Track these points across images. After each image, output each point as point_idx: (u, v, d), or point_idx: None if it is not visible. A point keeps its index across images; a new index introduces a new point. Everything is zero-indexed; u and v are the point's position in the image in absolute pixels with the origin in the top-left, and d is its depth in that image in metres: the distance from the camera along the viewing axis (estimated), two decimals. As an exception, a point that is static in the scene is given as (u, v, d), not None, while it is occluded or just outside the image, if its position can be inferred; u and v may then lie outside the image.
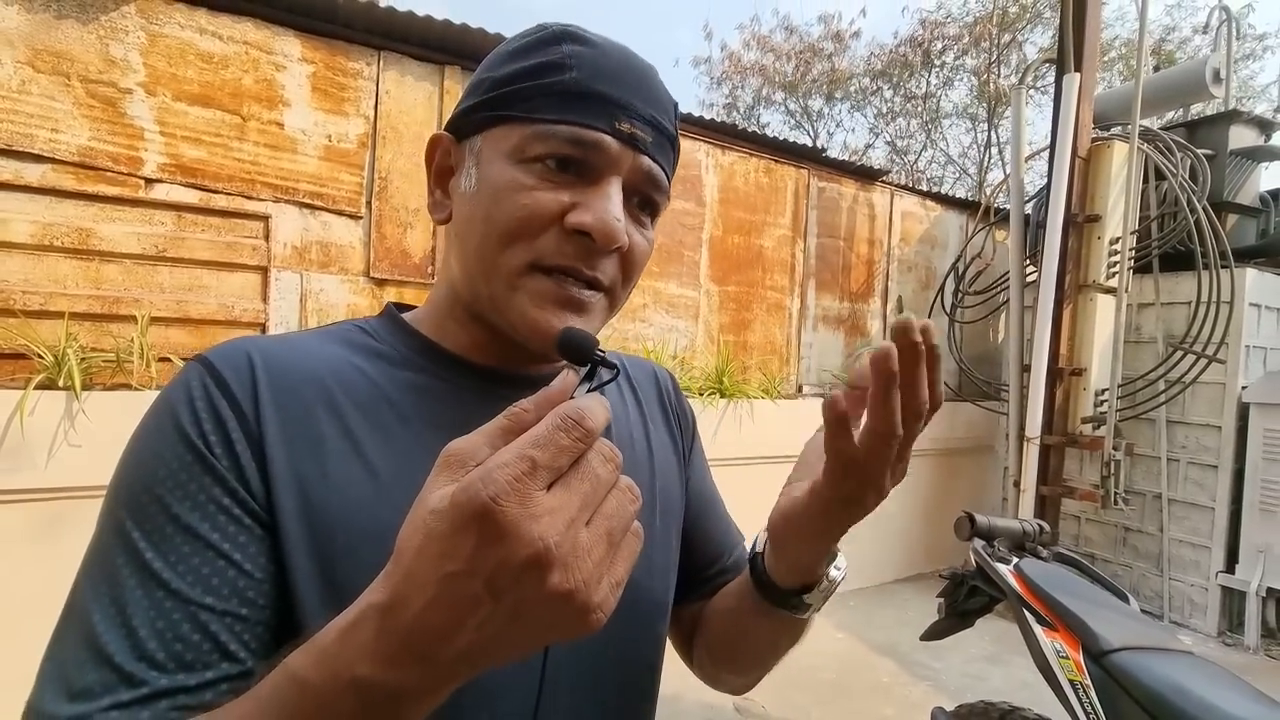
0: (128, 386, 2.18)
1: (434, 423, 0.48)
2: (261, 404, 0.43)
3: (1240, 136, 3.90)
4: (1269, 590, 3.40)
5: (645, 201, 0.50)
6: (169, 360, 2.29)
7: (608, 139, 0.46)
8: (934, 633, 1.76)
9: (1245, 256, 3.79)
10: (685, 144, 3.71)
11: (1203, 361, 3.45)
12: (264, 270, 2.59)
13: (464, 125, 0.50)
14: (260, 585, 0.40)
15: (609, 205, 0.45)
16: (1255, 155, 3.91)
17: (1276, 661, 3.32)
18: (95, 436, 2.04)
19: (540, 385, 0.50)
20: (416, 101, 2.90)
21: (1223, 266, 3.40)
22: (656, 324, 3.65)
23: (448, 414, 0.49)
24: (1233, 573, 3.51)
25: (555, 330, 0.45)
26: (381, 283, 2.84)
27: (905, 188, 4.86)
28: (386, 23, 2.74)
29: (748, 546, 0.60)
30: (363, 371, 0.49)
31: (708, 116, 3.97)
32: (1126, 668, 1.22)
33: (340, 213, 2.75)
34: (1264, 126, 4.03)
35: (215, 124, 2.48)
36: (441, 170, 0.52)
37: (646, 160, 0.48)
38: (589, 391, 0.35)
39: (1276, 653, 3.39)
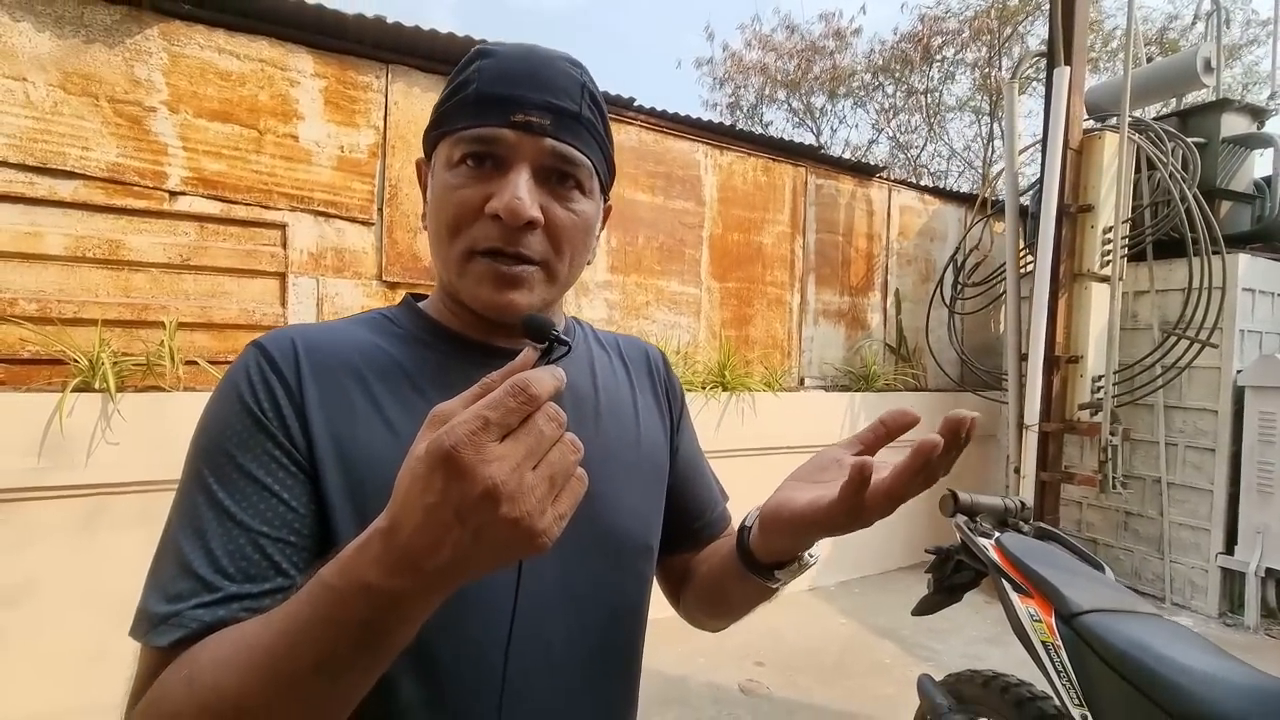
0: (158, 388, 2.31)
1: (442, 389, 0.56)
2: (303, 378, 0.54)
3: (1232, 124, 3.95)
4: (1268, 570, 3.45)
5: (562, 177, 0.57)
6: (196, 363, 2.42)
7: (504, 132, 0.54)
8: (923, 608, 1.84)
9: (1241, 242, 3.84)
10: (684, 145, 3.81)
11: (1197, 346, 3.51)
12: (282, 276, 2.72)
13: (426, 147, 0.62)
14: (303, 519, 0.51)
15: (511, 188, 0.53)
16: (1247, 142, 3.96)
17: (1277, 640, 3.37)
18: (130, 435, 2.17)
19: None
20: (424, 111, 3.02)
21: (1214, 252, 3.46)
22: (659, 320, 3.75)
23: (453, 382, 0.55)
24: (1232, 554, 3.56)
25: (497, 304, 0.56)
26: (394, 286, 2.96)
27: (903, 182, 4.93)
28: (394, 37, 2.86)
29: (738, 516, 0.67)
30: (384, 350, 0.60)
31: (710, 117, 4.07)
32: (1094, 628, 1.31)
33: (353, 220, 2.87)
34: (1256, 114, 4.08)
35: (234, 138, 2.61)
36: (423, 187, 0.63)
37: (549, 142, 0.55)
38: (544, 364, 0.42)
39: (1277, 632, 3.44)
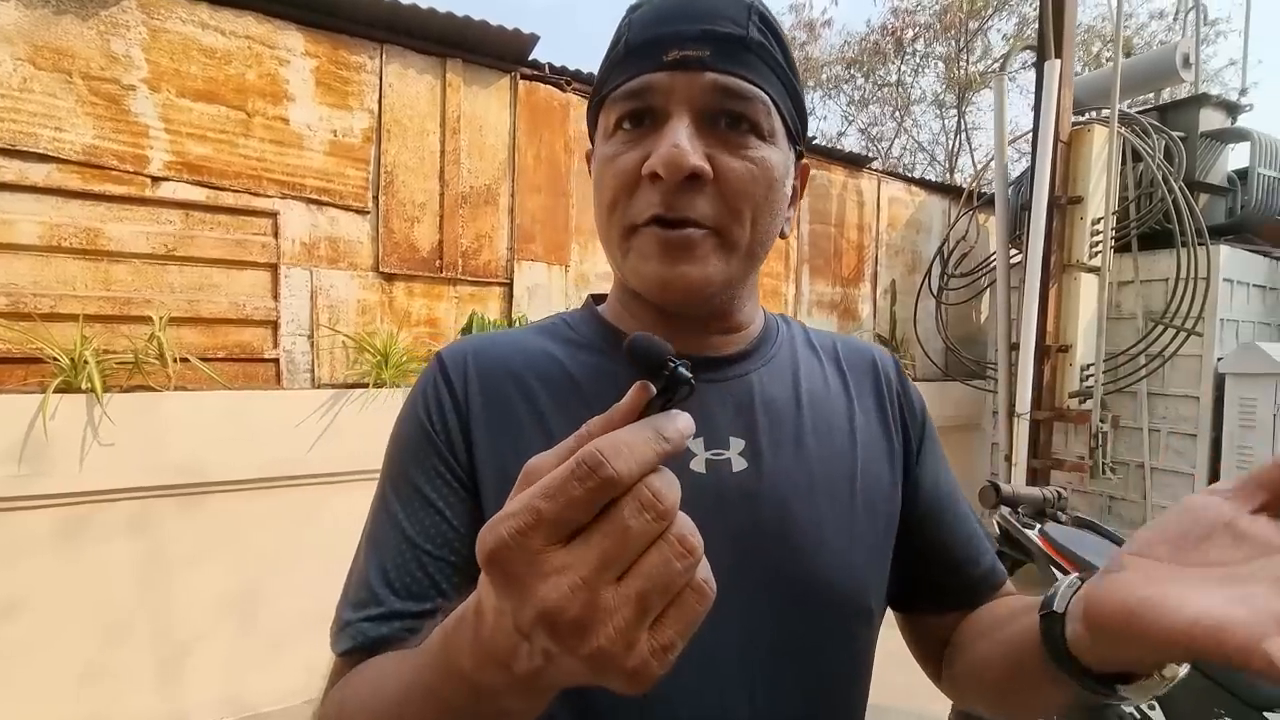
0: (148, 388, 2.16)
1: (609, 403, 0.49)
2: (470, 395, 0.52)
3: (1209, 119, 4.07)
4: (1245, 550, 3.59)
5: (734, 118, 0.47)
6: (188, 361, 2.26)
7: (656, 76, 0.46)
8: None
9: (1216, 234, 3.97)
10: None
11: (1181, 335, 3.62)
12: (274, 267, 2.57)
13: (590, 128, 0.55)
14: (463, 538, 0.48)
15: (666, 139, 0.45)
16: (1223, 137, 4.09)
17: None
18: (120, 439, 2.02)
19: (718, 369, 0.54)
20: (419, 94, 2.89)
21: (1198, 244, 3.56)
22: (659, 313, 3.70)
23: (621, 395, 0.51)
24: (1211, 535, 3.69)
25: (664, 279, 0.47)
26: (391, 277, 2.83)
27: (891, 174, 4.96)
28: (388, 15, 2.72)
29: (1046, 592, 0.43)
30: (556, 359, 0.54)
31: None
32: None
33: (347, 208, 2.73)
34: (1231, 109, 4.21)
35: (220, 120, 2.45)
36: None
37: (709, 76, 0.46)
38: (659, 410, 0.30)
39: (1253, 608, 3.59)
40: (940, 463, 0.63)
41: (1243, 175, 4.13)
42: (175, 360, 2.22)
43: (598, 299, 0.62)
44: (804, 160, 0.58)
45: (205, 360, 2.36)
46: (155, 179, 2.34)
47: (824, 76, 11.29)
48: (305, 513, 2.36)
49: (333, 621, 0.48)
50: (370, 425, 2.45)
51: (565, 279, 3.33)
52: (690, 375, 0.31)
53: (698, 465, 0.51)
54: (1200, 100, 4.10)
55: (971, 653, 0.56)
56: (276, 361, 2.58)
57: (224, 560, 2.22)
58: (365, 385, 2.55)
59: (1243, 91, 4.75)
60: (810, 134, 4.87)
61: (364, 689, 0.42)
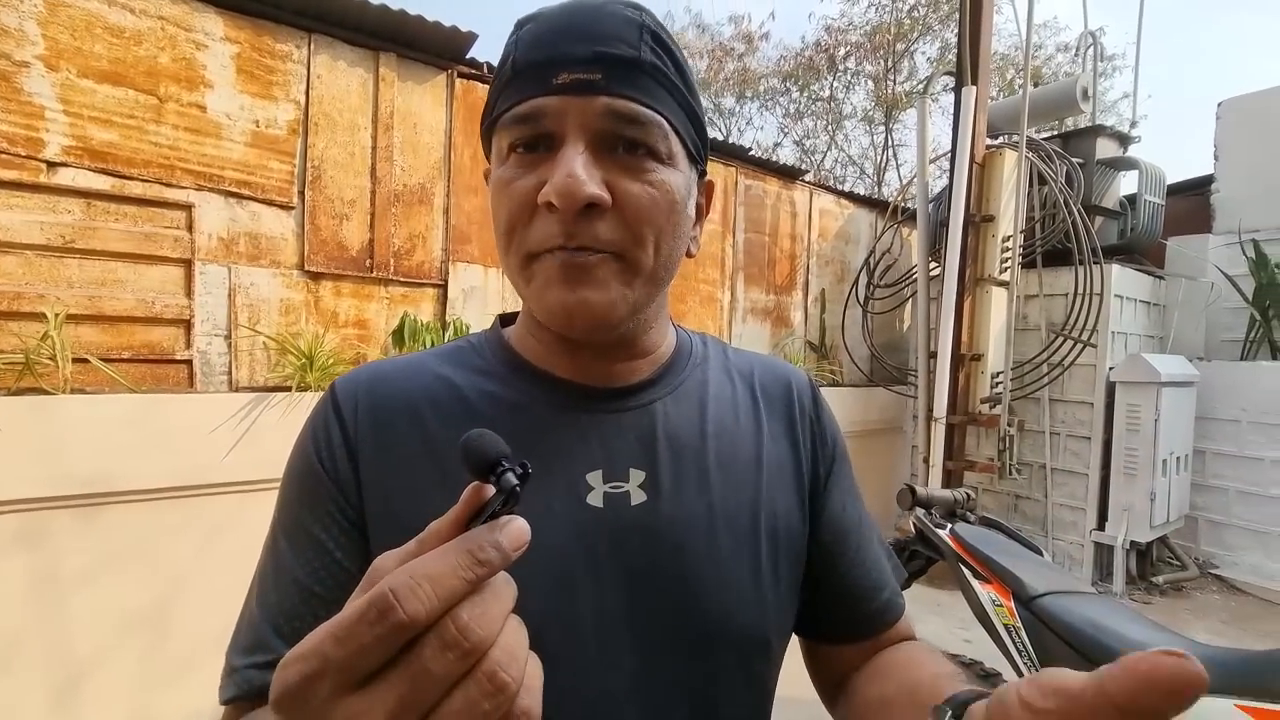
0: (41, 390, 1.99)
1: (523, 444, 0.46)
2: (360, 430, 0.50)
3: (1104, 148, 4.45)
4: (1131, 543, 3.94)
5: (630, 144, 0.45)
6: (88, 361, 2.10)
7: (546, 101, 0.44)
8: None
9: (1109, 254, 4.33)
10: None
11: (1078, 346, 3.93)
12: (188, 263, 2.42)
13: (485, 150, 0.52)
14: (354, 578, 0.41)
15: (561, 167, 0.43)
16: (1116, 165, 4.47)
17: (1138, 603, 3.85)
18: (8, 445, 1.86)
19: (621, 399, 0.52)
20: (350, 88, 2.79)
21: (1094, 263, 3.88)
22: (596, 317, 3.70)
23: (527, 432, 0.50)
24: (1103, 530, 4.03)
25: (566, 307, 0.45)
26: (317, 276, 2.72)
27: (822, 186, 5.16)
28: (317, 4, 2.62)
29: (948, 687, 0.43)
30: (456, 388, 0.52)
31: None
32: (1050, 609, 1.42)
33: (270, 203, 2.61)
34: (1122, 139, 4.61)
35: (128, 104, 2.29)
36: None
37: (602, 100, 0.44)
38: (484, 520, 0.28)
39: (1138, 597, 3.94)
40: (848, 492, 0.62)
41: (1132, 200, 4.53)
42: (74, 360, 2.05)
43: (506, 320, 0.60)
44: (708, 178, 0.56)
45: (108, 361, 2.20)
46: (52, 164, 2.16)
47: (761, 88, 11.62)
48: (220, 523, 2.24)
49: (223, 667, 0.46)
50: (293, 430, 2.30)
51: (502, 282, 3.29)
52: (518, 483, 0.29)
53: (595, 499, 0.49)
54: (1097, 130, 4.47)
55: (859, 694, 0.56)
56: (189, 363, 2.44)
57: (129, 575, 2.07)
58: (288, 388, 2.44)
59: (1133, 123, 5.20)
60: (748, 145, 5.00)
61: None
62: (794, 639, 0.60)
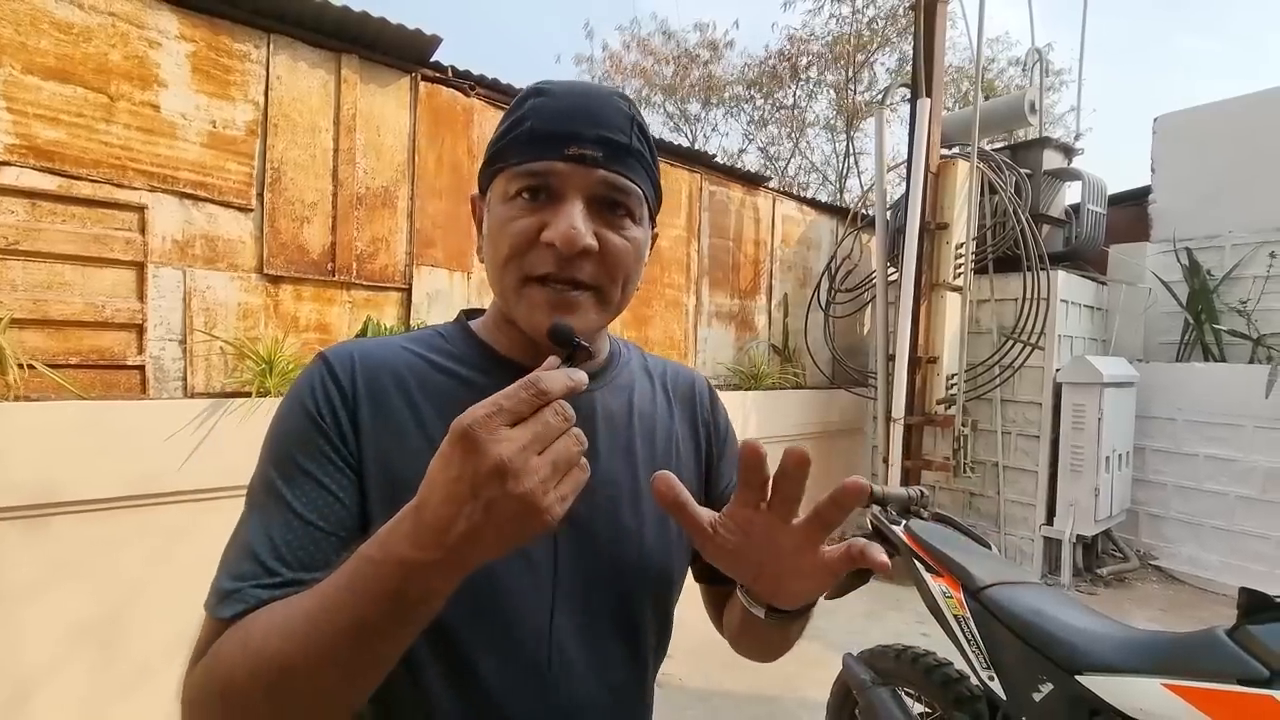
0: (-18, 398, 1.92)
1: None
2: (358, 391, 0.59)
3: (1050, 159, 4.66)
4: (1078, 537, 4.12)
5: (613, 205, 0.60)
6: (33, 367, 2.03)
7: (558, 165, 0.57)
8: (836, 591, 1.98)
9: (1055, 260, 4.53)
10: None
11: (1027, 349, 4.10)
12: (140, 266, 2.36)
13: (482, 182, 0.64)
14: (353, 515, 0.55)
15: (565, 219, 0.56)
16: (1061, 175, 4.68)
17: (1084, 594, 4.03)
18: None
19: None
20: (311, 89, 2.75)
21: (1041, 269, 4.05)
22: (562, 321, 3.71)
23: None
24: (1051, 524, 4.20)
25: (545, 325, 0.58)
26: (276, 280, 2.67)
27: (785, 193, 5.26)
28: (277, 4, 2.58)
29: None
30: (436, 369, 0.63)
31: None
32: (997, 599, 1.50)
33: (228, 205, 2.55)
34: (1068, 152, 4.83)
35: (77, 102, 2.22)
36: (477, 219, 0.66)
37: (601, 173, 0.58)
38: (562, 367, 0.47)
39: (1084, 588, 4.12)
40: (735, 471, 0.75)
41: (1076, 210, 4.75)
42: (18, 366, 1.98)
43: (470, 314, 0.71)
44: (656, 230, 0.71)
45: (55, 367, 2.12)
46: (-6, 163, 2.09)
47: (726, 95, 11.77)
48: (176, 532, 2.18)
49: (210, 594, 0.51)
50: (253, 437, 2.29)
51: (467, 285, 3.28)
52: (588, 345, 0.55)
53: None
54: (1043, 142, 4.68)
55: (730, 618, 0.75)
56: (142, 368, 2.37)
57: (79, 587, 2.00)
58: (247, 394, 2.39)
59: (1078, 136, 5.45)
60: (712, 152, 5.08)
61: (274, 619, 0.46)
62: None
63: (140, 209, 2.35)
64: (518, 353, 0.65)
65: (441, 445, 0.41)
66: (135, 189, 2.34)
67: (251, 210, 2.61)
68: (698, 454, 0.76)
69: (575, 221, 0.56)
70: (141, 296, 2.36)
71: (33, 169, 2.15)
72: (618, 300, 0.62)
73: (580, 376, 0.45)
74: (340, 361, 0.60)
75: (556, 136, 0.57)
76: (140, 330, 2.36)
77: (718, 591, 0.79)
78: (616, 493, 0.65)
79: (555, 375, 0.43)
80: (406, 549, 0.41)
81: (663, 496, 0.51)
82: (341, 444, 0.56)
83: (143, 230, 2.36)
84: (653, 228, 0.68)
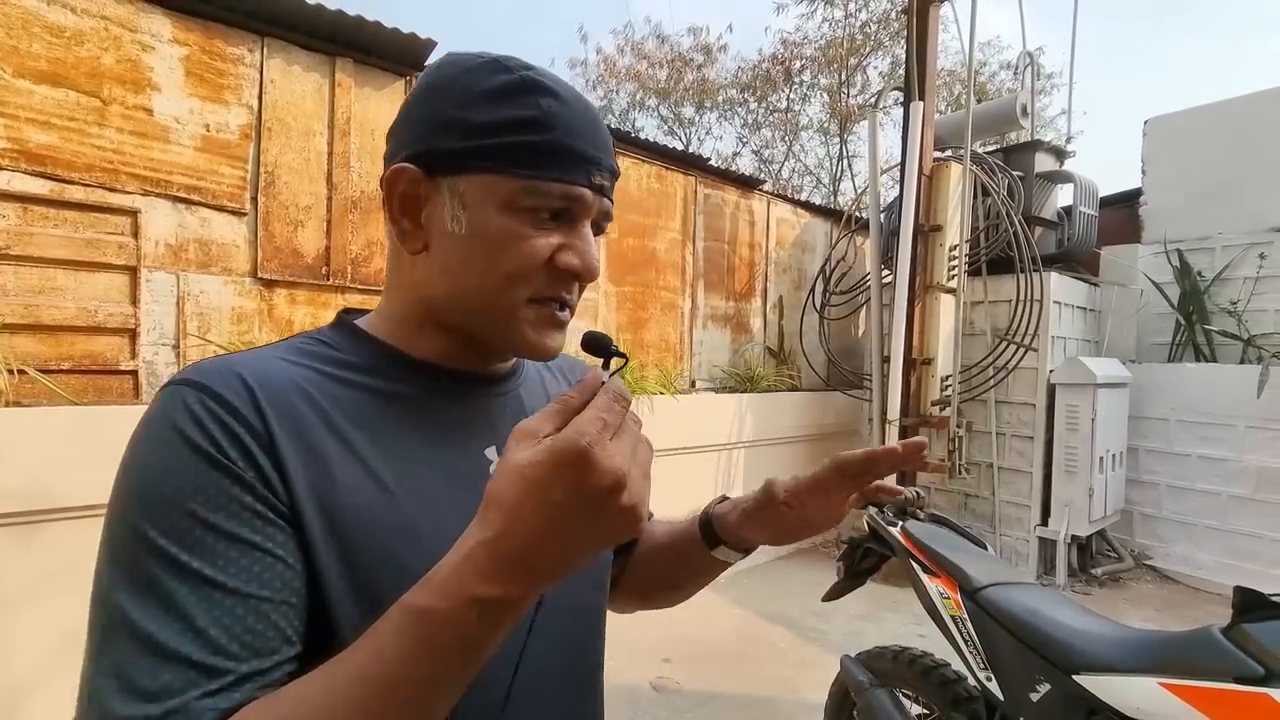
0: (-27, 404, 1.90)
1: (424, 431, 0.56)
2: (268, 417, 0.47)
3: (1042, 162, 4.68)
4: (1072, 537, 4.13)
5: (598, 228, 0.59)
6: (24, 372, 2.02)
7: (587, 192, 0.54)
8: (834, 593, 2.00)
9: (1048, 262, 4.55)
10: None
11: (1021, 350, 4.12)
12: (133, 270, 2.35)
13: (437, 163, 0.53)
14: (300, 575, 0.45)
15: (590, 249, 0.55)
16: (1053, 178, 4.71)
17: (1079, 595, 4.05)
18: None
19: (499, 381, 0.65)
20: (305, 93, 2.75)
21: (1034, 271, 4.08)
22: (558, 324, 3.71)
23: (432, 420, 0.57)
24: (1046, 525, 4.22)
25: (546, 347, 0.57)
26: (271, 284, 2.66)
27: (779, 196, 5.28)
28: (270, 8, 2.58)
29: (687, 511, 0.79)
30: (342, 383, 0.53)
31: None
32: (993, 600, 1.50)
33: (221, 209, 2.55)
34: (1059, 154, 4.86)
35: (69, 106, 2.21)
36: (407, 199, 0.54)
37: (607, 201, 0.57)
38: (611, 376, 0.46)
39: (1079, 588, 4.13)
40: None
41: (1068, 212, 4.78)
42: (9, 372, 1.97)
43: (351, 314, 0.62)
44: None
45: (46, 372, 2.11)
46: (-15, 168, 2.08)
47: (720, 99, 11.81)
48: (168, 538, 2.16)
49: None
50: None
51: (462, 289, 3.27)
52: (625, 354, 0.52)
53: (493, 469, 0.55)
54: (1035, 145, 4.70)
55: (646, 566, 0.81)
56: (135, 373, 2.36)
57: (71, 595, 1.98)
58: (240, 399, 2.38)
59: (1069, 139, 5.49)
60: (706, 155, 5.09)
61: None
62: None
63: (133, 213, 2.34)
64: (442, 357, 0.59)
65: (530, 469, 0.38)
66: (128, 193, 2.33)
67: (245, 214, 2.61)
68: None
69: (594, 252, 0.55)
70: (134, 301, 2.35)
71: (24, 173, 2.14)
72: None
73: (622, 386, 0.45)
74: (227, 386, 0.47)
75: (585, 160, 0.53)
76: (133, 335, 2.35)
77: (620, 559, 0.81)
78: None
79: (622, 385, 0.43)
80: (485, 587, 0.38)
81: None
82: (268, 490, 0.45)
83: (135, 234, 2.35)
84: None
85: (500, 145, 0.51)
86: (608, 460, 0.38)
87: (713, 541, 0.74)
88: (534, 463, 0.38)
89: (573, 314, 0.59)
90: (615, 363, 0.51)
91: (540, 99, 0.52)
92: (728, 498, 0.77)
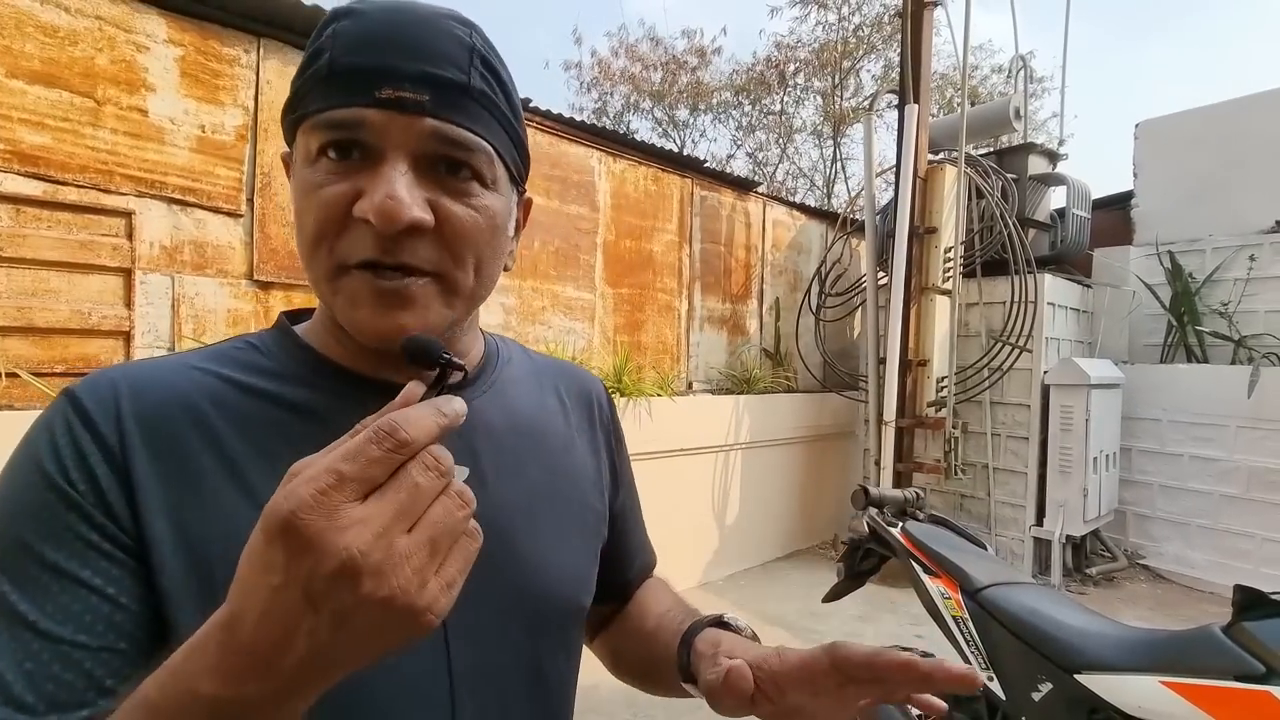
0: (-35, 407, 1.88)
1: (323, 443, 0.43)
2: (126, 433, 0.42)
3: (1035, 164, 4.72)
4: (1067, 537, 4.16)
5: (453, 165, 0.45)
6: (16, 375, 2.00)
7: (368, 113, 0.42)
8: (834, 594, 2.00)
9: (1041, 264, 4.58)
10: (579, 150, 3.81)
11: (1016, 351, 4.14)
12: (127, 272, 2.33)
13: (287, 135, 0.48)
14: (137, 617, 0.40)
15: (381, 185, 0.42)
16: (1046, 180, 4.75)
17: (1074, 594, 4.07)
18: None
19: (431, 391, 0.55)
20: (301, 94, 2.73)
21: (1028, 272, 4.10)
22: (555, 326, 3.71)
23: (338, 435, 0.49)
24: (1041, 525, 4.24)
25: (380, 330, 0.45)
26: (267, 286, 2.65)
27: (775, 198, 5.30)
28: (266, 8, 2.56)
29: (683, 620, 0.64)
30: (246, 391, 0.47)
31: (581, 120, 4.09)
32: (994, 600, 1.50)
33: (217, 210, 2.53)
34: (1052, 157, 4.90)
35: (62, 107, 2.20)
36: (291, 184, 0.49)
37: (429, 122, 0.43)
38: (436, 395, 0.35)
39: (1074, 588, 4.15)
40: (632, 481, 0.73)
41: (1061, 214, 4.81)
42: (3, 375, 1.95)
43: (294, 316, 0.55)
44: (526, 195, 0.57)
45: (40, 375, 2.09)
46: (-22, 168, 2.06)
47: (715, 101, 11.84)
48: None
49: None
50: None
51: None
52: (463, 365, 0.41)
53: None
54: (1028, 148, 4.74)
55: (618, 631, 0.72)
56: (129, 376, 2.33)
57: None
58: (236, 401, 2.37)
59: (1061, 142, 5.53)
60: (701, 157, 5.11)
61: None
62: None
63: (128, 214, 2.32)
64: (358, 361, 0.50)
65: (253, 536, 0.29)
66: (123, 194, 2.31)
67: (241, 216, 2.59)
68: (598, 465, 0.65)
69: (395, 189, 0.42)
70: (129, 303, 2.33)
71: (17, 174, 2.12)
72: (471, 287, 0.48)
73: (457, 407, 0.33)
74: (96, 398, 0.43)
75: (364, 73, 0.42)
76: (128, 338, 2.33)
77: (598, 609, 0.69)
78: (511, 519, 0.53)
79: (419, 414, 0.31)
80: (215, 685, 0.29)
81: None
82: (107, 517, 0.40)
83: (130, 236, 2.33)
84: (520, 193, 0.54)
85: (297, 92, 0.45)
86: (329, 534, 0.27)
87: (686, 674, 0.59)
88: (257, 528, 0.29)
89: (443, 284, 0.47)
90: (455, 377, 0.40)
91: (334, 24, 0.44)
92: (724, 621, 0.62)
